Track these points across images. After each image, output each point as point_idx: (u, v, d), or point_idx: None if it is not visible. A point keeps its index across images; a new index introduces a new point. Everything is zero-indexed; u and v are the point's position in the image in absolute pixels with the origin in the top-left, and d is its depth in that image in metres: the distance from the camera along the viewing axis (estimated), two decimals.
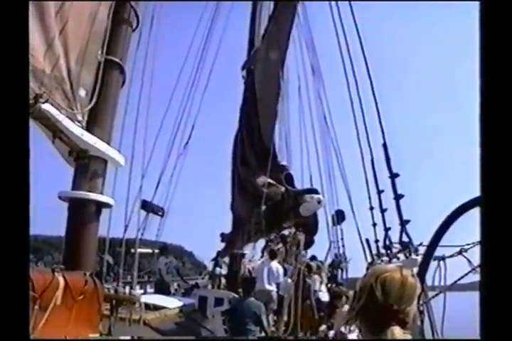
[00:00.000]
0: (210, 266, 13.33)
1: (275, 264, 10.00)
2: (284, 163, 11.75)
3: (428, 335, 3.70)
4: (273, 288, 9.56)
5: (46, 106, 3.62)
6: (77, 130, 4.13)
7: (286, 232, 11.07)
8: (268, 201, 10.11)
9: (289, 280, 10.32)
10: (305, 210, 9.59)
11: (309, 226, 10.44)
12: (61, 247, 4.30)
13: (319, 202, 9.66)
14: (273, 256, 10.35)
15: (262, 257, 11.54)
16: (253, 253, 12.07)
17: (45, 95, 3.55)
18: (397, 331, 1.74)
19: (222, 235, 11.98)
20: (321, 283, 11.06)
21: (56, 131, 4.07)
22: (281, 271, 9.94)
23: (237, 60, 12.74)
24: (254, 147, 11.43)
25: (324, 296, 10.52)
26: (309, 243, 11.11)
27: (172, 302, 7.82)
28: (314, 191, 10.17)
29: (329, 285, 11.86)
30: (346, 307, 7.46)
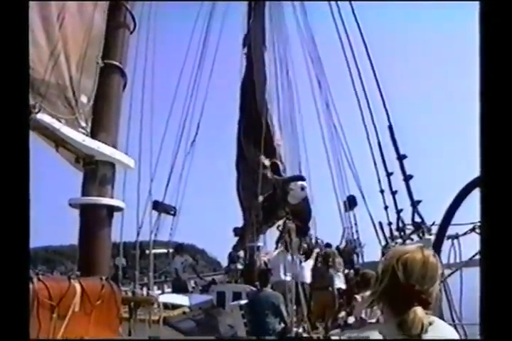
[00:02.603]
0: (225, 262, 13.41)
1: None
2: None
3: (446, 313, 3.70)
4: (290, 278, 9.57)
5: (40, 116, 3.61)
6: (78, 136, 4.12)
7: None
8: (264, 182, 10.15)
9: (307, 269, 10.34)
10: (292, 198, 9.58)
11: (301, 214, 10.42)
12: (73, 256, 4.31)
13: (302, 188, 9.63)
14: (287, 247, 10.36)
15: (276, 248, 11.53)
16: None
17: (38, 105, 3.53)
18: (419, 311, 1.74)
19: (235, 230, 12.00)
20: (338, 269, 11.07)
21: (57, 140, 4.06)
22: (297, 260, 9.94)
23: (238, 54, 12.73)
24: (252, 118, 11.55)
25: (341, 283, 10.52)
26: (304, 231, 11.10)
27: (190, 300, 7.85)
28: (298, 178, 10.15)
29: (346, 271, 11.87)
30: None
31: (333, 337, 7.79)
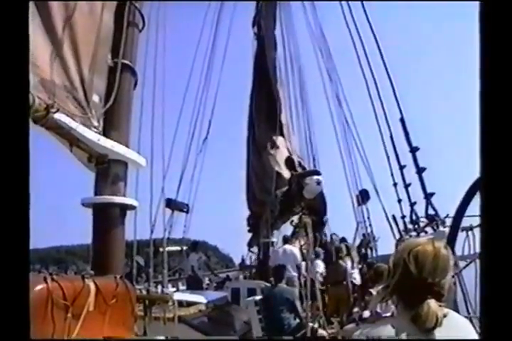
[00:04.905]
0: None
1: (289, 247, 10.06)
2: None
3: (461, 306, 3.67)
4: (295, 273, 9.59)
5: (58, 116, 3.62)
6: (93, 136, 4.13)
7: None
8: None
9: (320, 263, 10.33)
10: (307, 193, 9.54)
11: (317, 209, 10.39)
12: (85, 256, 4.34)
13: (318, 182, 9.59)
14: (286, 241, 10.41)
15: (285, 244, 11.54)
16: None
17: (56, 105, 3.54)
18: (432, 304, 1.73)
19: (249, 218, 11.96)
20: (352, 263, 11.05)
21: (72, 139, 4.07)
22: (298, 255, 10.00)
23: (247, 51, 12.75)
24: (266, 101, 11.67)
25: (356, 278, 10.49)
26: (320, 225, 11.08)
27: (205, 297, 7.84)
28: (314, 172, 10.12)
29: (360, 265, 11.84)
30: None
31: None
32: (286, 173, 10.67)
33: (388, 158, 8.73)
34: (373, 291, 6.86)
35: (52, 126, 3.73)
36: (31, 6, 3.59)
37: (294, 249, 10.11)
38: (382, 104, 8.62)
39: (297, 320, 7.01)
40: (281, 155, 11.15)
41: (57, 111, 3.56)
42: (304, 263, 9.67)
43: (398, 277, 1.84)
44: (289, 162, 10.90)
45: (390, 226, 9.46)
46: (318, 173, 9.99)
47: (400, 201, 8.55)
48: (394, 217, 9.23)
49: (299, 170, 10.71)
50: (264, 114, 11.59)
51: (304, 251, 9.80)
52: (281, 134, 11.48)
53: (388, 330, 1.77)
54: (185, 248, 12.47)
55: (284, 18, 13.30)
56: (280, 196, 10.26)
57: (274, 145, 11.14)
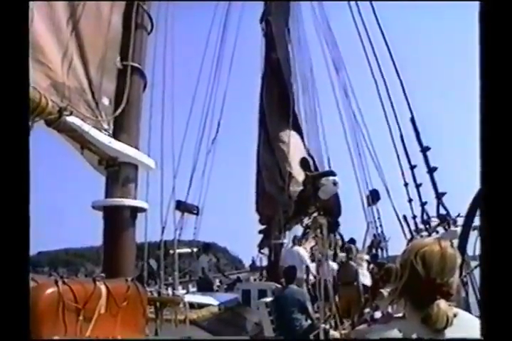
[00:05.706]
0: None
1: (296, 249, 10.04)
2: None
3: (474, 306, 3.64)
4: (303, 274, 9.57)
5: (71, 119, 3.63)
6: (104, 139, 4.13)
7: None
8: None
9: (332, 264, 10.30)
10: (323, 194, 9.52)
11: (332, 209, 10.38)
12: (93, 258, 4.35)
13: (335, 183, 9.57)
14: (296, 242, 10.39)
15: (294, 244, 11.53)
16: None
17: (69, 107, 3.55)
18: (442, 304, 1.73)
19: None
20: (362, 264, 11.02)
21: (84, 142, 4.08)
22: (306, 256, 9.98)
23: (256, 50, 12.78)
24: (278, 97, 11.67)
25: (366, 279, 10.44)
26: (334, 226, 11.06)
27: (216, 299, 7.86)
28: (330, 173, 10.10)
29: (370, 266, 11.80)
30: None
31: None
32: (296, 170, 10.66)
33: (399, 157, 8.72)
34: (384, 292, 6.84)
35: (65, 129, 3.75)
36: (41, 7, 3.62)
37: (301, 250, 10.10)
38: (392, 103, 8.62)
39: (309, 321, 7.00)
40: (293, 150, 11.12)
41: (71, 114, 3.58)
42: (313, 265, 9.65)
43: (406, 279, 1.84)
44: (304, 162, 10.89)
45: (401, 226, 9.44)
46: (334, 174, 9.99)
47: (410, 201, 8.53)
48: (405, 217, 9.21)
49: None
50: (276, 109, 11.55)
51: (316, 252, 9.78)
52: (295, 129, 11.46)
53: (395, 333, 1.76)
54: (195, 250, 12.49)
55: (294, 17, 13.32)
56: (294, 196, 10.26)
57: (287, 140, 11.11)
